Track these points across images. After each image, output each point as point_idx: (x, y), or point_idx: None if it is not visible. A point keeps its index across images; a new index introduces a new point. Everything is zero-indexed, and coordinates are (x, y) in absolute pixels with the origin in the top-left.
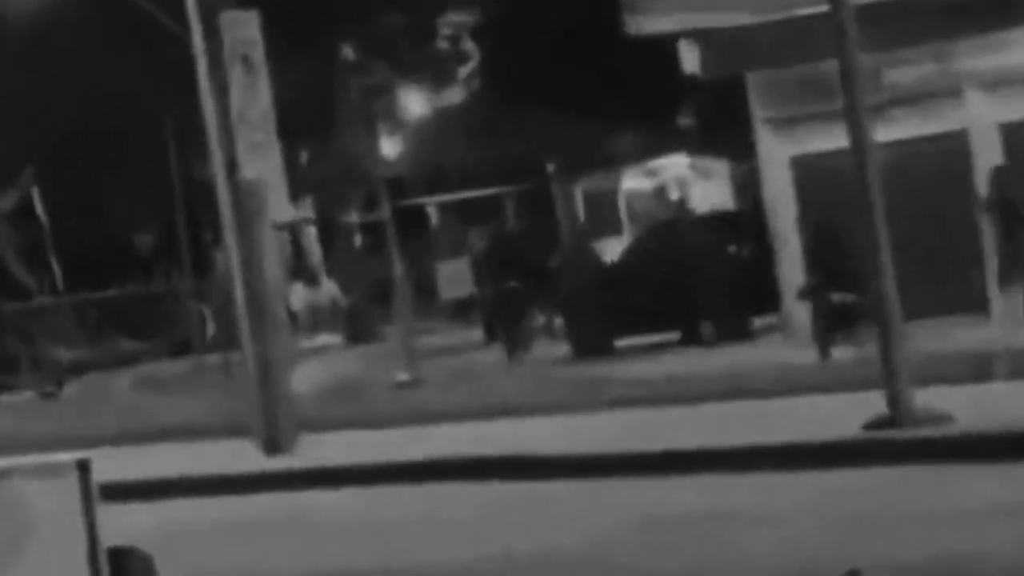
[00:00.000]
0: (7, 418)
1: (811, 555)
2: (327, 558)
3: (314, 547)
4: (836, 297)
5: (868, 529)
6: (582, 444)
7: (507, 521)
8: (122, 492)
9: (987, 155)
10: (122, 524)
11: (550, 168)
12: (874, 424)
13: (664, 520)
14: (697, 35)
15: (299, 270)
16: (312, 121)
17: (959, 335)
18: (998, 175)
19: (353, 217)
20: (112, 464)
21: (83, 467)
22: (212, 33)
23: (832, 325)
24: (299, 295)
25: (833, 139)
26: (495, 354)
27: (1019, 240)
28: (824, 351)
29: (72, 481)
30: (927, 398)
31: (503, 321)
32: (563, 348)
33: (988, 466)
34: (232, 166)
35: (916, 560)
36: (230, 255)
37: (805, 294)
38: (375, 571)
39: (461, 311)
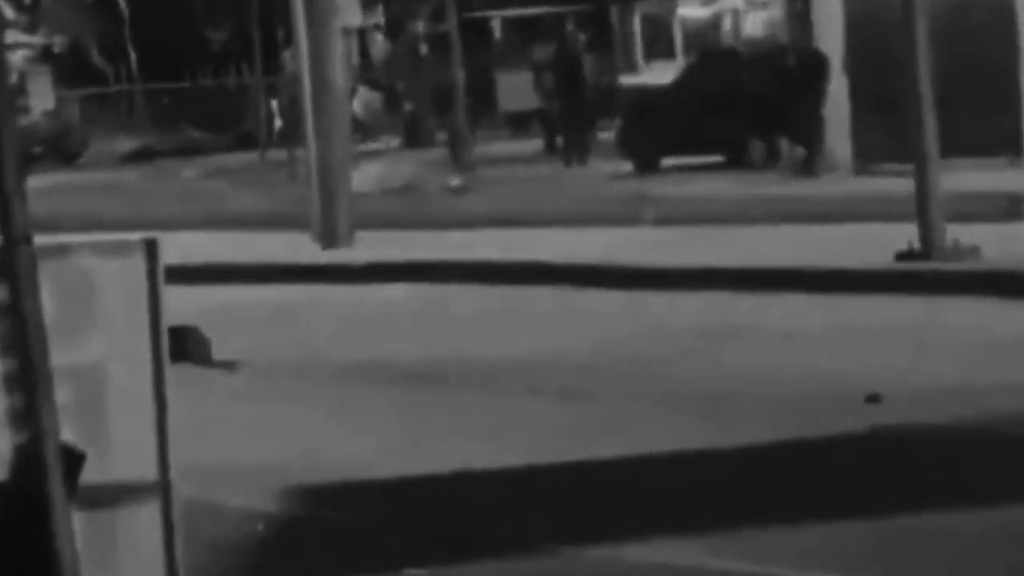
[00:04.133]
0: (72, 198)
1: (834, 374)
2: (374, 346)
3: (362, 335)
4: None
5: (893, 355)
6: (618, 255)
7: (533, 325)
8: (184, 274)
9: None
10: (182, 305)
11: None
12: (906, 255)
13: (686, 330)
14: None
15: (365, 74)
16: None
17: (992, 176)
18: None
19: (420, 27)
20: (175, 247)
21: (150, 247)
22: None
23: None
24: (363, 98)
25: None
26: (551, 166)
27: None
28: None
29: (138, 261)
30: (957, 233)
31: (564, 130)
32: (618, 163)
33: (1015, 301)
34: None
35: (936, 387)
36: (300, 54)
37: None
38: (414, 360)
39: (520, 123)
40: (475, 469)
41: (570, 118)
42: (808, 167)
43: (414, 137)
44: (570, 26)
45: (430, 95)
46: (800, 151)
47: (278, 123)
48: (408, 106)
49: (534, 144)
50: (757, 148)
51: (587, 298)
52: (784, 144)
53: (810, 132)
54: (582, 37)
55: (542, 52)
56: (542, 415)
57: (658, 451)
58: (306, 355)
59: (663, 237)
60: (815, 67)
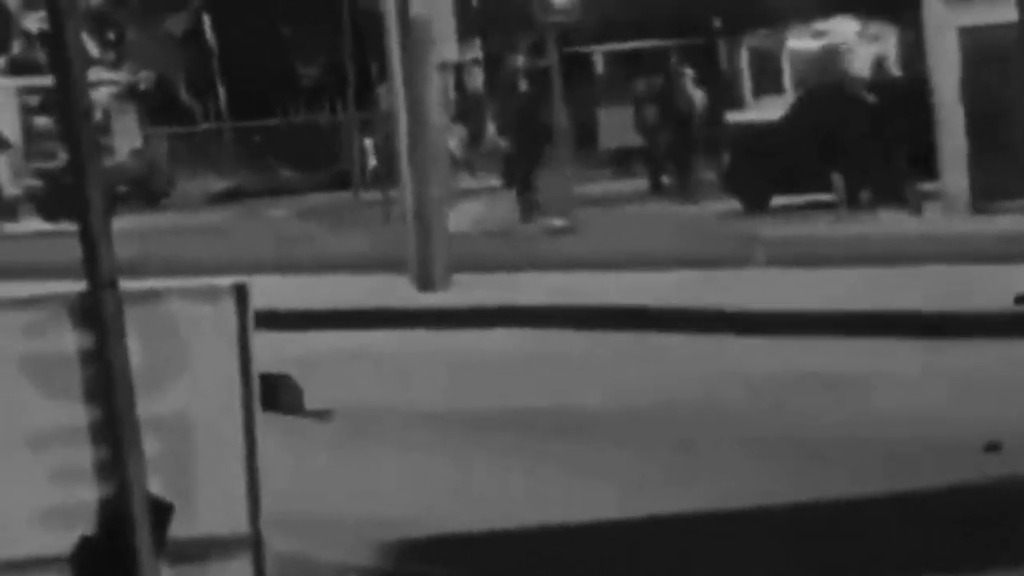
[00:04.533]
0: (159, 241)
1: (950, 422)
2: (471, 393)
3: (459, 382)
4: None
5: (1013, 402)
6: (724, 299)
7: (632, 371)
8: (274, 320)
9: None
10: (273, 351)
11: (716, 23)
12: None
13: (794, 376)
14: None
15: (462, 111)
16: None
17: None
18: None
19: (519, 61)
20: (266, 292)
21: (240, 292)
22: None
23: None
24: (460, 136)
25: (1002, 12)
26: (655, 205)
27: None
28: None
29: (228, 306)
30: None
31: (673, 168)
32: (725, 202)
33: None
34: (402, 3)
35: None
36: (395, 91)
37: None
38: (512, 408)
39: (623, 161)
40: (577, 520)
41: (678, 155)
42: (910, 203)
43: (514, 175)
44: (674, 60)
45: (529, 132)
46: (911, 189)
47: (372, 161)
48: (507, 143)
49: (638, 183)
50: (866, 185)
51: (691, 343)
52: (895, 182)
53: (913, 169)
54: (690, 71)
55: (644, 87)
56: (643, 464)
57: (769, 503)
58: (402, 403)
59: (771, 279)
60: (922, 102)
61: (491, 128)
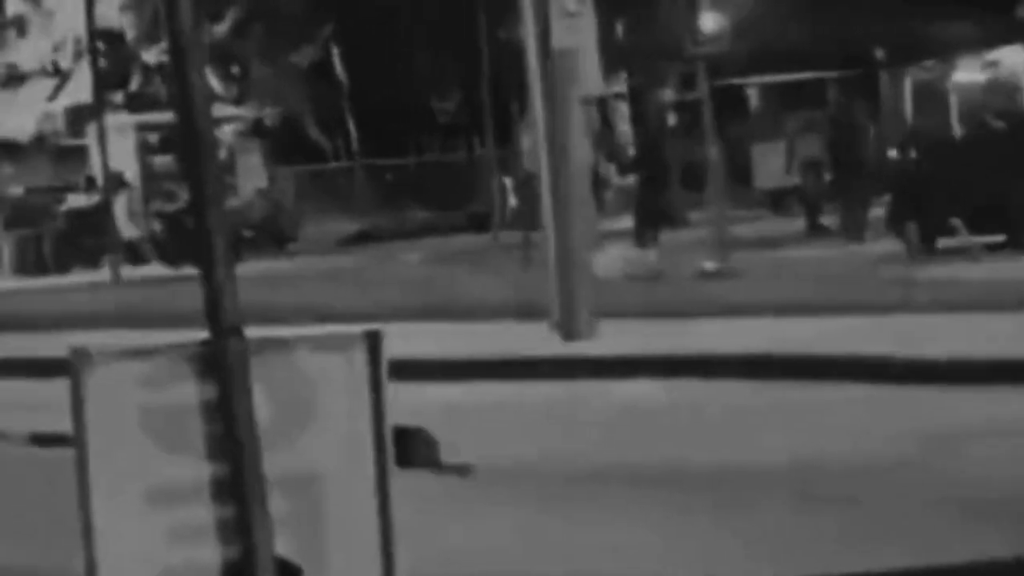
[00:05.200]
0: (286, 286)
1: None
2: (619, 447)
3: (606, 435)
4: None
5: None
6: (888, 346)
7: (792, 424)
8: (409, 370)
9: None
10: (407, 402)
11: (879, 54)
12: None
13: (964, 429)
14: None
15: (607, 148)
16: None
17: None
18: None
19: (667, 95)
20: (399, 340)
21: (372, 340)
22: None
23: None
24: (606, 174)
25: None
26: (813, 247)
27: None
28: None
29: (359, 355)
30: None
31: (841, 206)
32: (889, 243)
33: None
34: (545, 34)
35: None
36: (536, 128)
37: None
38: (664, 463)
39: (778, 200)
40: None
41: (844, 193)
42: None
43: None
44: (834, 92)
45: (679, 170)
46: None
47: (512, 202)
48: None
49: (796, 223)
50: None
51: (852, 393)
52: None
53: None
54: (857, 103)
55: (801, 121)
56: (808, 523)
57: (947, 562)
58: (545, 457)
59: (937, 325)
60: None
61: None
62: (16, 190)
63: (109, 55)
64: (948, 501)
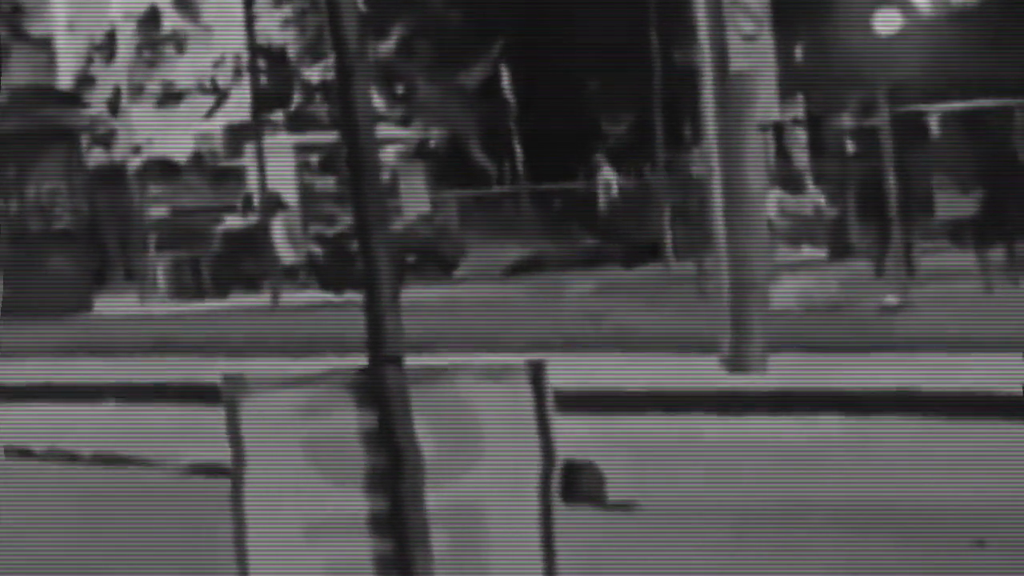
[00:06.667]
0: (450, 314)
1: None
2: (789, 485)
3: (775, 472)
4: None
5: None
6: None
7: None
8: (574, 402)
9: None
10: (573, 435)
11: None
12: None
13: None
14: None
15: (783, 175)
16: (811, 12)
17: None
18: None
19: (847, 121)
20: (564, 371)
21: (536, 371)
22: None
23: None
24: (782, 202)
25: None
26: (1000, 284)
27: None
28: None
29: (523, 386)
30: None
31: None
32: None
33: None
34: (721, 58)
35: None
36: (711, 154)
37: None
38: (839, 502)
39: (960, 230)
40: None
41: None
42: None
43: (840, 246)
44: (1018, 122)
45: (858, 198)
46: None
47: (683, 231)
48: (834, 211)
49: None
50: None
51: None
52: None
53: None
54: None
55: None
56: (993, 567)
57: None
58: (713, 495)
59: None
60: None
61: (815, 194)
62: (160, 211)
63: (269, 73)
64: None
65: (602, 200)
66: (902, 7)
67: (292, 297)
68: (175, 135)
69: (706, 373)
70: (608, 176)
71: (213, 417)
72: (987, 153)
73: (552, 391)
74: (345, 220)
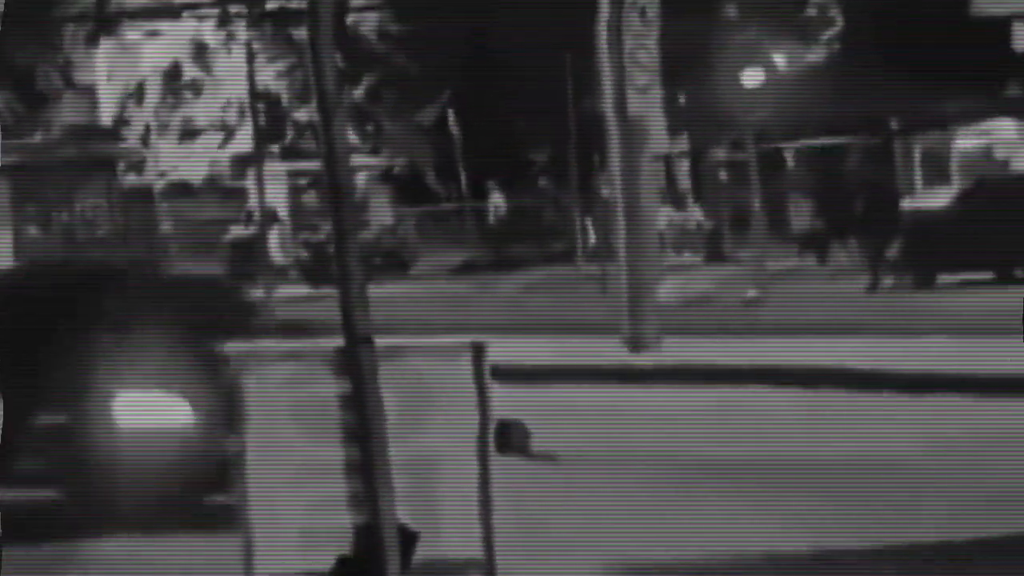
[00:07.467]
0: (407, 305)
1: None
2: (682, 442)
3: (671, 431)
4: None
5: None
6: (896, 364)
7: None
8: (507, 374)
9: None
10: (504, 401)
11: (893, 125)
12: None
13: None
14: None
15: (671, 196)
16: (692, 67)
17: None
18: None
19: (720, 154)
20: (498, 350)
21: (477, 350)
22: None
23: None
24: (669, 218)
25: None
26: (838, 282)
27: None
28: None
29: (466, 361)
30: None
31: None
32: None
33: None
34: (621, 104)
35: None
36: (613, 180)
37: None
38: (728, 457)
39: (808, 242)
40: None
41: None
42: None
43: (714, 253)
44: (854, 157)
45: (729, 215)
46: None
47: (592, 239)
48: (708, 224)
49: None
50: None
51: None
52: None
53: None
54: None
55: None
56: (817, 508)
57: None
58: (618, 448)
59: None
60: None
61: (695, 211)
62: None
63: (267, 114)
64: (926, 497)
65: (491, 217)
66: (764, 65)
67: (283, 291)
68: (192, 163)
69: (611, 351)
70: (497, 200)
71: None
72: (830, 180)
73: (489, 366)
74: (326, 229)
